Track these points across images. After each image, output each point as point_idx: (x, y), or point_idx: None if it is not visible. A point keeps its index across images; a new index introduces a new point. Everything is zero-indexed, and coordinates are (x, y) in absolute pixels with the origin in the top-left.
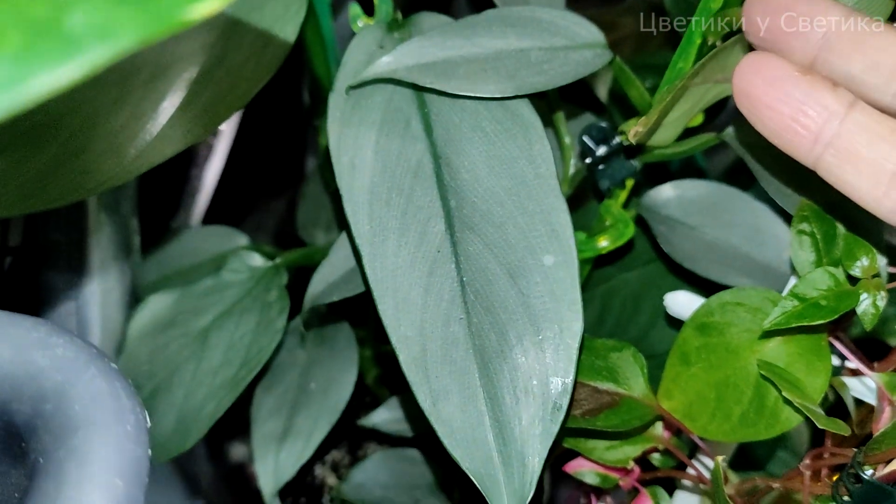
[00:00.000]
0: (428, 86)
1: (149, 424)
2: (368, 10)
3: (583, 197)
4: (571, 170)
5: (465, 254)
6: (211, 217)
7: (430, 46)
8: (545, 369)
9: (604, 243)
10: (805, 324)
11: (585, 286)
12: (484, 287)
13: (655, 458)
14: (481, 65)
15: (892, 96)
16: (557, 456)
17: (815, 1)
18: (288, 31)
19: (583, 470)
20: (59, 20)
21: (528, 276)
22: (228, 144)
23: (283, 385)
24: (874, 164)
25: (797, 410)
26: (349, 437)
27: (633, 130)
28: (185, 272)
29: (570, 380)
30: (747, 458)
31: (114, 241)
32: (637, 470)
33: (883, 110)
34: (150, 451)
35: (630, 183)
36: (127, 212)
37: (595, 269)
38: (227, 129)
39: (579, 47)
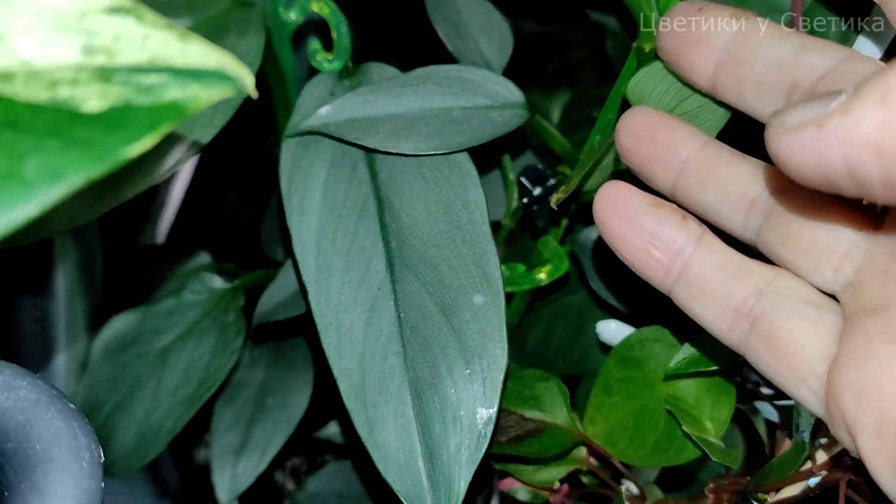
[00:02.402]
0: (353, 141)
1: (102, 459)
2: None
3: (527, 227)
4: (515, 204)
5: (404, 292)
6: (178, 232)
7: (360, 103)
8: (472, 400)
9: (542, 276)
10: (703, 369)
11: (531, 309)
12: (420, 323)
13: (585, 476)
14: (405, 123)
15: (742, 226)
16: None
17: (676, 128)
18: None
19: (514, 488)
20: (18, 168)
21: (460, 313)
22: (195, 160)
23: (241, 400)
24: (719, 300)
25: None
26: (309, 445)
27: (556, 198)
28: (148, 291)
29: (494, 410)
30: (682, 470)
31: (78, 262)
32: (565, 488)
33: (737, 239)
34: (102, 483)
35: (565, 221)
36: (91, 234)
37: (542, 293)
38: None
39: (500, 107)
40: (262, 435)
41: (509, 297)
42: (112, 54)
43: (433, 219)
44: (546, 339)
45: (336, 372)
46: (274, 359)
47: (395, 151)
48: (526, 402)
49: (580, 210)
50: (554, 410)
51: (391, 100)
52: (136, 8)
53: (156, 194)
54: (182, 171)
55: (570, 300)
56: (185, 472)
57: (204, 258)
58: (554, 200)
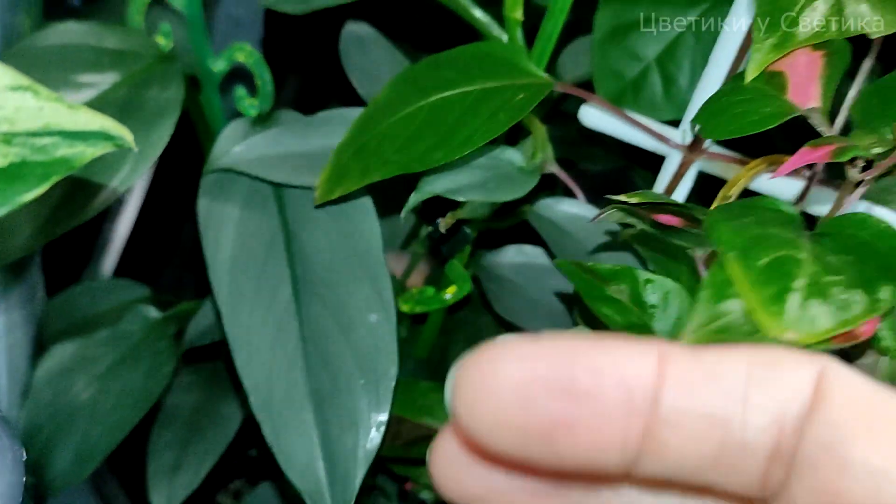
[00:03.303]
0: (260, 176)
1: (25, 457)
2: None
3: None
4: (424, 233)
5: (307, 313)
6: (125, 268)
7: (270, 143)
8: (367, 407)
9: (448, 296)
10: None
11: (446, 327)
12: (321, 341)
13: None
14: (309, 160)
15: None
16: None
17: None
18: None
19: (418, 488)
20: None
21: (357, 330)
22: (141, 198)
23: (176, 422)
24: None
25: None
26: (252, 467)
27: (444, 223)
28: (88, 322)
29: (385, 415)
30: None
31: (20, 293)
32: None
33: None
34: (24, 478)
35: (468, 248)
36: (33, 269)
37: (454, 311)
38: (140, 184)
39: None
40: (196, 454)
41: (424, 316)
42: (13, 122)
43: (334, 248)
44: (459, 353)
45: (247, 386)
46: (210, 382)
47: (300, 185)
48: (420, 410)
49: (481, 237)
50: (443, 418)
51: (297, 139)
52: (32, 85)
53: (99, 232)
54: (127, 210)
55: (477, 318)
56: (129, 490)
57: (142, 291)
58: (442, 225)
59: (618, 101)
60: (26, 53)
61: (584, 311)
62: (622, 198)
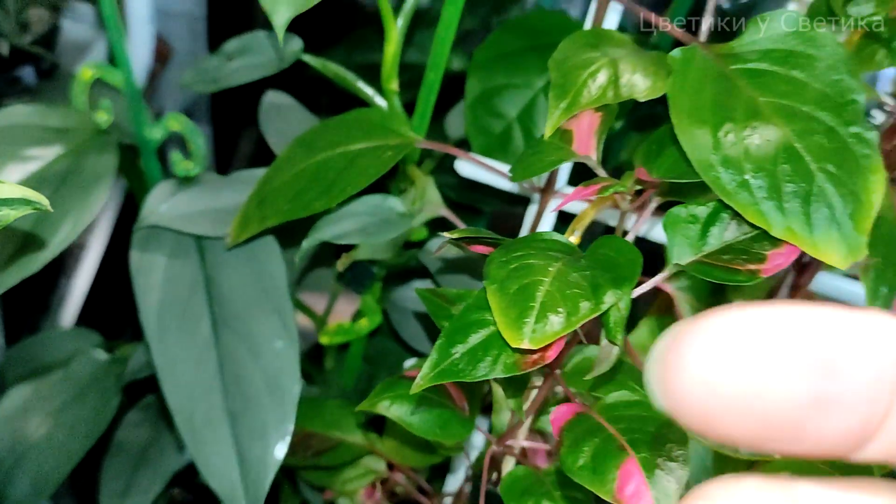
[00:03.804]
0: (183, 230)
1: None
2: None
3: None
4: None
5: (223, 344)
6: (88, 318)
7: (191, 201)
8: (274, 421)
9: (362, 327)
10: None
11: (366, 353)
12: (235, 366)
13: (399, 487)
14: (223, 214)
15: None
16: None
17: None
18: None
19: (331, 497)
20: None
21: (265, 356)
22: (100, 254)
23: (126, 453)
24: None
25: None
26: (203, 493)
27: (340, 263)
28: (44, 367)
29: (290, 428)
30: None
31: None
32: (374, 492)
33: None
34: None
35: (377, 284)
36: None
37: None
38: (96, 243)
39: None
40: (144, 481)
41: (346, 345)
42: None
43: (246, 287)
44: (372, 379)
45: (172, 408)
46: (157, 419)
47: (217, 235)
48: (328, 424)
49: (389, 275)
50: (349, 430)
51: (214, 197)
52: None
53: (56, 287)
54: (85, 266)
55: (389, 345)
56: None
57: (93, 338)
58: (339, 265)
59: (489, 153)
60: None
61: (431, 330)
62: (446, 234)
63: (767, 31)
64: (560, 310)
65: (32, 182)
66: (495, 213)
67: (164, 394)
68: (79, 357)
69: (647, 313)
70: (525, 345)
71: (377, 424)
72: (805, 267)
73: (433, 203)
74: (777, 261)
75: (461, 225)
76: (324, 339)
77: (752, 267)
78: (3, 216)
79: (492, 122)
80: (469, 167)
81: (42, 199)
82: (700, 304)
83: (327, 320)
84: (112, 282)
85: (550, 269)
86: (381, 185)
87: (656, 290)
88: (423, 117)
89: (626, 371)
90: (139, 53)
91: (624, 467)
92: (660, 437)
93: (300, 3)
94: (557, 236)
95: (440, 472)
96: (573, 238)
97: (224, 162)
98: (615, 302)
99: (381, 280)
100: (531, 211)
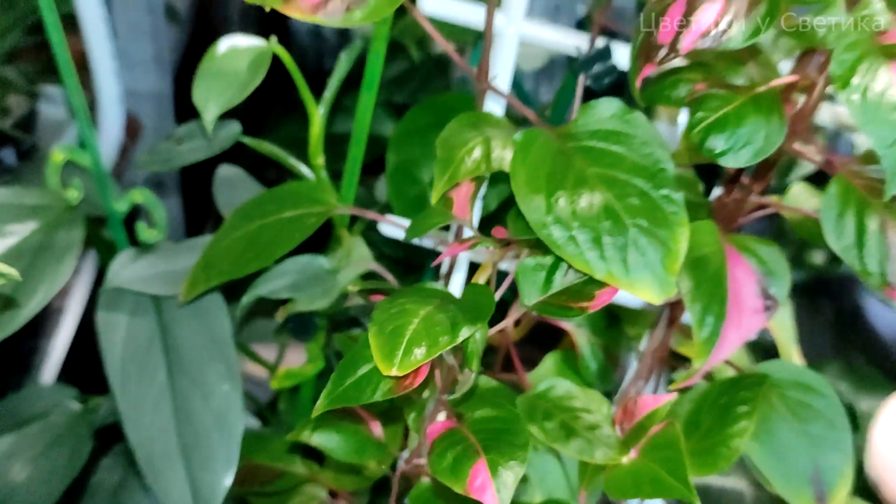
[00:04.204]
0: (144, 291)
1: None
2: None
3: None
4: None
5: (178, 388)
6: (69, 375)
7: (148, 266)
8: (222, 454)
9: (308, 371)
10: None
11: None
12: (187, 407)
13: None
14: (177, 275)
15: None
16: None
17: None
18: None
19: None
20: None
21: (214, 398)
22: (77, 317)
23: (100, 493)
24: None
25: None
26: None
27: (279, 315)
28: (26, 420)
29: (235, 459)
30: None
31: None
32: None
33: None
34: None
35: (321, 332)
36: None
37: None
38: (74, 305)
39: None
40: None
41: (298, 387)
42: None
43: (196, 338)
44: None
45: (133, 445)
46: (127, 461)
47: (172, 294)
48: (272, 457)
49: (338, 323)
50: (290, 462)
51: (169, 262)
52: None
53: (37, 349)
54: (63, 328)
55: None
56: None
57: (70, 392)
58: (278, 316)
59: (408, 215)
60: None
61: None
62: (350, 287)
63: (596, 115)
64: (423, 344)
65: (11, 255)
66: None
67: (126, 434)
68: (56, 409)
69: (554, 348)
70: (394, 372)
71: (320, 456)
72: (677, 303)
73: (362, 259)
74: (602, 298)
75: (389, 277)
76: (274, 384)
77: (583, 304)
78: None
79: (409, 188)
80: (390, 228)
81: (13, 272)
82: (596, 339)
83: (278, 367)
84: (90, 341)
85: (421, 312)
86: (321, 246)
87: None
88: (349, 185)
89: (495, 392)
90: (110, 131)
91: (475, 467)
92: (508, 442)
93: (225, 102)
94: (436, 285)
95: (385, 493)
96: (481, 280)
97: (195, 226)
98: (470, 335)
99: (324, 329)
100: (446, 260)
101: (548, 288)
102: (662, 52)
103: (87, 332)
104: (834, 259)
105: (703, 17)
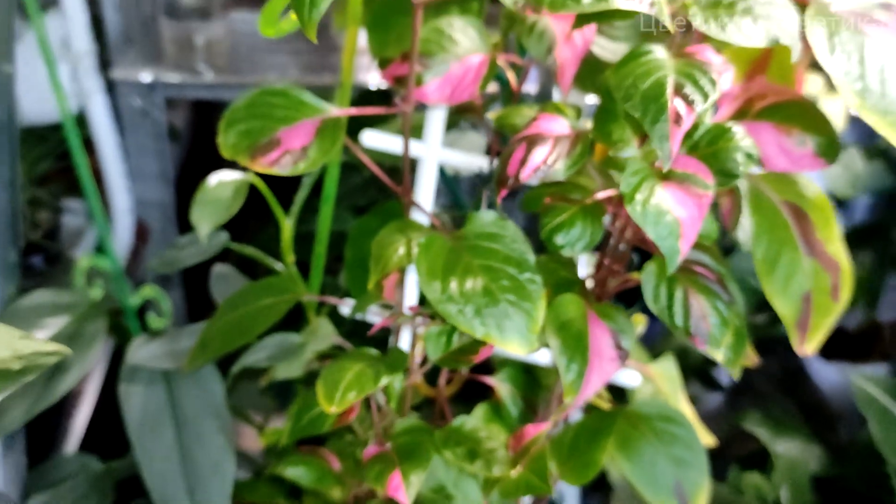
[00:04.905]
0: (157, 367)
1: None
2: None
3: None
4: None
5: (183, 441)
6: (91, 443)
7: (159, 346)
8: (217, 494)
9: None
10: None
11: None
12: (191, 457)
13: None
14: (180, 354)
15: None
16: None
17: None
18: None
19: None
20: None
21: (210, 449)
22: (94, 399)
23: None
24: None
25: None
26: None
27: (262, 382)
28: (54, 482)
29: (228, 495)
30: None
31: (12, 464)
32: None
33: None
34: None
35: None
36: (18, 443)
37: None
38: (91, 389)
39: None
40: None
41: None
42: (16, 349)
43: (197, 401)
44: None
45: (149, 487)
46: None
47: (177, 368)
48: (261, 495)
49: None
50: (277, 499)
51: (174, 343)
52: (25, 334)
53: (61, 426)
54: (82, 409)
55: None
56: None
57: (91, 458)
58: (262, 382)
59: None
60: (15, 312)
61: None
62: (308, 354)
63: (480, 221)
64: (354, 389)
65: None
66: None
67: (143, 478)
68: (82, 471)
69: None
70: (333, 410)
71: (299, 495)
72: None
73: (327, 335)
74: (484, 353)
75: (349, 346)
76: (263, 440)
77: (471, 357)
78: (45, 361)
79: (362, 277)
80: (347, 310)
81: (64, 348)
82: (516, 391)
83: (265, 427)
84: (104, 416)
85: (355, 367)
86: (297, 324)
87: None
88: (315, 277)
89: (415, 426)
90: (123, 236)
91: (392, 475)
92: (416, 458)
93: (215, 221)
94: (371, 350)
95: None
96: (402, 343)
97: (195, 312)
98: (389, 382)
99: (301, 393)
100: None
101: (448, 347)
102: (510, 181)
103: (102, 409)
104: (776, 321)
105: (536, 157)
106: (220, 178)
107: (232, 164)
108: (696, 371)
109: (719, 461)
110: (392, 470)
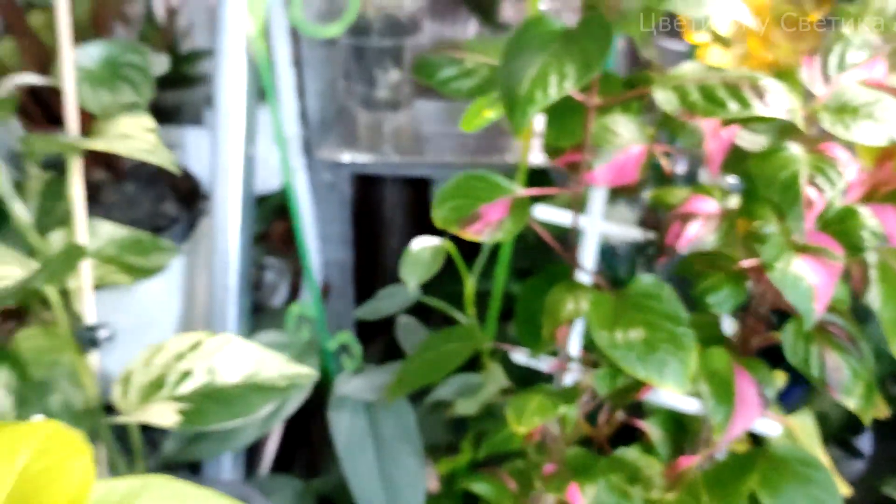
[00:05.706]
0: (356, 397)
1: None
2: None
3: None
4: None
5: (382, 459)
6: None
7: (362, 380)
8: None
9: (461, 460)
10: None
11: None
12: (388, 473)
13: None
14: (378, 388)
15: None
16: None
17: None
18: None
19: None
20: None
21: (403, 468)
22: (280, 430)
23: None
24: None
25: None
26: None
27: (447, 415)
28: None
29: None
30: None
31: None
32: None
33: None
34: None
35: (471, 434)
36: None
37: None
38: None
39: None
40: None
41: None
42: (276, 381)
43: (395, 428)
44: None
45: (357, 498)
46: None
47: (377, 399)
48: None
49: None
50: None
51: (373, 379)
52: (264, 354)
53: (254, 451)
54: (272, 437)
55: None
56: None
57: (293, 479)
58: (448, 414)
59: (532, 347)
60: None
61: None
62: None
63: (641, 283)
64: (538, 414)
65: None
66: None
67: (351, 492)
68: (282, 489)
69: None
70: (521, 430)
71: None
72: None
73: (498, 378)
74: (644, 392)
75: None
76: (440, 468)
77: (631, 395)
78: (303, 382)
79: (531, 329)
80: (519, 356)
81: (314, 373)
82: (667, 434)
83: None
84: (292, 445)
85: (537, 398)
86: (473, 368)
87: None
88: (490, 327)
89: (580, 453)
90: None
91: (570, 487)
92: (588, 474)
93: (421, 276)
94: (547, 385)
95: None
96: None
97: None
98: (566, 412)
99: (473, 430)
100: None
101: (612, 385)
102: (669, 251)
103: (291, 439)
104: None
105: (690, 231)
106: (422, 244)
107: (390, 230)
108: (836, 438)
109: None
110: (569, 482)
